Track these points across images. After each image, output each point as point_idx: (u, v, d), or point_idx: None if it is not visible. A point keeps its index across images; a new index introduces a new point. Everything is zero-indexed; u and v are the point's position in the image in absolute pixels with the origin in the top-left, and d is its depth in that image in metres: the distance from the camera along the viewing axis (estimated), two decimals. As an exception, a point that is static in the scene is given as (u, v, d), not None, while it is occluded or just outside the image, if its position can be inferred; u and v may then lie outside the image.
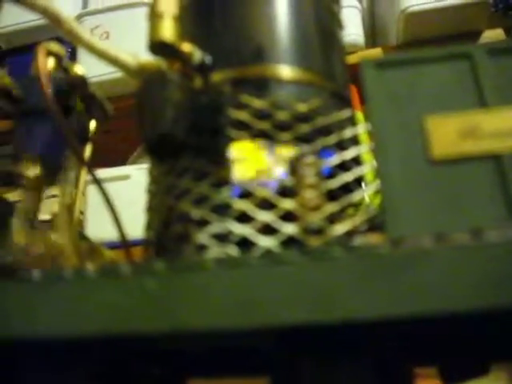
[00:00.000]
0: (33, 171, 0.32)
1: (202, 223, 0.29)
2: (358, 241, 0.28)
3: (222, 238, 0.28)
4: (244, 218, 0.28)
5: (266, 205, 0.28)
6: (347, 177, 0.30)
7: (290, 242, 0.27)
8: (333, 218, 0.27)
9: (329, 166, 0.30)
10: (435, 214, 0.24)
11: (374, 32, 1.05)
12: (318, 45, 0.35)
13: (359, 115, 0.43)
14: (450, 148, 0.25)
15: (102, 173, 0.48)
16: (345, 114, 0.32)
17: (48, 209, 0.36)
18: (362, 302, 0.22)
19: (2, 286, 0.25)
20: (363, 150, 0.32)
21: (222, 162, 0.29)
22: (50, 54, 0.33)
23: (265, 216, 0.28)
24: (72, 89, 0.34)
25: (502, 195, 0.24)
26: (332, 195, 0.29)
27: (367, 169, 0.31)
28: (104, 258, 0.36)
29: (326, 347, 0.25)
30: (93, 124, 0.38)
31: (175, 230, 0.30)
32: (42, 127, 0.33)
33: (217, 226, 0.28)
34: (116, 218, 0.35)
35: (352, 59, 0.74)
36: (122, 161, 0.95)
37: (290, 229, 0.27)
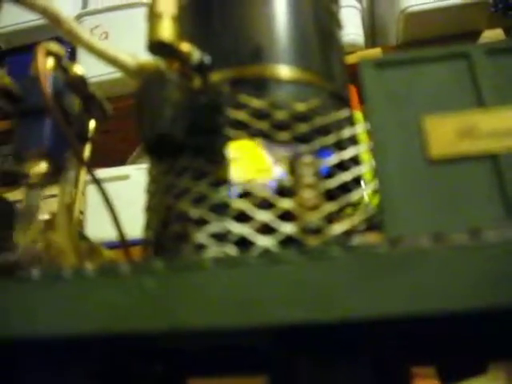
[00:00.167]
0: (38, 168, 0.32)
1: (201, 223, 0.29)
2: (357, 240, 0.28)
3: (221, 237, 0.28)
4: (242, 217, 0.28)
5: (265, 204, 0.28)
6: (346, 176, 0.30)
7: (288, 241, 0.27)
8: (331, 218, 0.27)
9: (327, 165, 0.30)
10: (433, 213, 0.24)
11: (373, 32, 1.05)
12: (317, 45, 0.35)
13: (358, 115, 0.43)
14: (448, 148, 0.25)
15: (102, 173, 0.49)
16: (343, 113, 0.32)
17: (47, 208, 0.36)
18: (359, 301, 0.22)
19: (2, 286, 0.25)
20: (362, 149, 0.32)
21: (220, 161, 0.29)
22: (49, 53, 0.33)
23: (263, 215, 0.28)
24: (71, 89, 0.34)
25: (499, 195, 0.24)
26: (330, 195, 0.29)
27: (366, 168, 0.31)
28: (103, 257, 0.36)
29: (324, 346, 0.25)
30: (92, 124, 0.38)
31: (174, 229, 0.30)
32: (45, 126, 0.33)
33: (215, 226, 0.28)
34: (115, 218, 0.35)
35: (351, 59, 0.74)
36: (121, 161, 0.95)
37: (288, 228, 0.27)
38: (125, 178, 0.87)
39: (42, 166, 0.32)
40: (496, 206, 0.24)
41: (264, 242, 0.27)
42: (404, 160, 0.25)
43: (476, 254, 0.22)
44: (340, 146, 0.31)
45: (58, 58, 0.34)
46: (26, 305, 0.24)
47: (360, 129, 0.33)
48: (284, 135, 0.30)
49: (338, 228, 0.27)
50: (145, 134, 0.28)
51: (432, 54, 0.27)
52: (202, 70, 0.30)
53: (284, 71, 0.32)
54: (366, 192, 0.31)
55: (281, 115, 0.30)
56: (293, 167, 0.28)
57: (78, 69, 0.35)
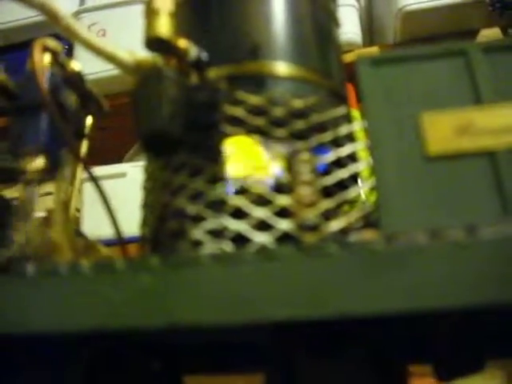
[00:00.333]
0: (35, 165, 0.32)
1: (198, 219, 0.29)
2: (353, 237, 0.28)
3: (217, 233, 0.28)
4: (239, 214, 0.28)
5: (262, 201, 0.28)
6: (343, 173, 0.30)
7: (285, 238, 0.27)
8: (328, 215, 0.27)
9: (324, 162, 0.30)
10: (430, 210, 0.24)
11: (371, 30, 1.05)
12: (315, 42, 0.35)
13: (356, 113, 0.43)
14: (445, 145, 0.25)
15: (98, 170, 0.48)
16: (341, 111, 0.32)
17: (44, 206, 0.36)
18: (356, 297, 0.22)
19: (-3, 282, 0.25)
20: (359, 146, 0.32)
21: (217, 158, 0.29)
22: (46, 49, 0.33)
23: (260, 212, 0.28)
24: (68, 85, 0.34)
25: (496, 192, 0.24)
26: (327, 192, 0.29)
27: (363, 166, 0.31)
28: (100, 254, 0.36)
29: (321, 343, 0.25)
30: (89, 121, 0.37)
31: (170, 226, 0.30)
32: (41, 122, 0.32)
33: (212, 222, 0.28)
34: (112, 216, 0.35)
35: (349, 57, 0.74)
36: (118, 158, 0.95)
37: (284, 225, 0.27)
38: (121, 175, 0.87)
39: (39, 163, 0.32)
40: (493, 203, 0.24)
41: (260, 238, 0.27)
42: (401, 157, 0.25)
43: (473, 251, 0.22)
44: (337, 143, 0.31)
45: (54, 54, 0.34)
46: (22, 301, 0.24)
47: (357, 126, 0.33)
48: (281, 132, 0.30)
49: (334, 225, 0.27)
50: (142, 131, 0.28)
51: (429, 51, 0.27)
52: (199, 66, 0.30)
53: (281, 68, 0.32)
54: (363, 189, 0.31)
55: (278, 112, 0.30)
56: (290, 164, 0.28)
57: (75, 65, 0.35)
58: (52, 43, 0.34)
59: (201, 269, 0.23)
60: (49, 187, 0.35)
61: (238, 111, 0.30)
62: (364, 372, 0.25)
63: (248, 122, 0.30)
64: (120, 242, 0.35)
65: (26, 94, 0.33)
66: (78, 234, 0.38)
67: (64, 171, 0.35)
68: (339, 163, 0.30)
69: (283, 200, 0.28)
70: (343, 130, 0.31)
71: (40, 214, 0.34)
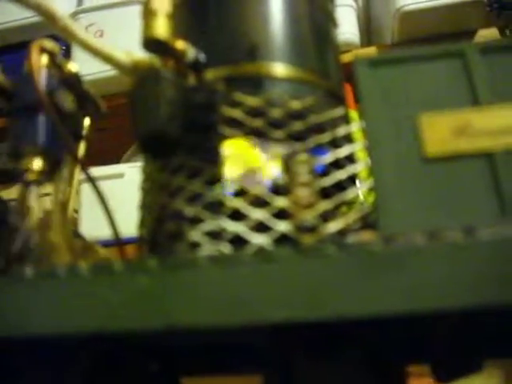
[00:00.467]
0: (35, 165, 0.32)
1: (195, 221, 0.29)
2: (351, 238, 0.28)
3: (215, 235, 0.28)
4: (237, 215, 0.28)
5: (260, 202, 0.28)
6: (340, 175, 0.30)
7: (283, 239, 0.27)
8: (326, 216, 0.27)
9: (322, 163, 0.30)
10: (428, 211, 0.24)
11: (369, 31, 1.05)
12: (313, 43, 0.35)
13: (354, 114, 0.43)
14: (442, 146, 0.25)
15: (96, 171, 0.48)
16: (339, 111, 0.32)
17: (42, 207, 0.36)
18: (354, 299, 0.22)
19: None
20: (357, 147, 0.32)
21: (215, 159, 0.29)
22: (43, 50, 0.33)
23: (258, 214, 0.28)
24: (66, 86, 0.34)
25: (494, 193, 0.24)
26: (325, 193, 0.29)
27: (361, 167, 0.31)
28: (98, 255, 0.36)
29: (318, 344, 0.25)
30: (86, 122, 0.37)
31: (168, 227, 0.30)
32: (40, 123, 0.32)
33: (210, 224, 0.28)
34: (110, 217, 0.35)
35: (347, 58, 0.74)
36: (115, 159, 0.95)
37: (283, 226, 0.27)
38: (119, 176, 0.87)
39: (37, 164, 0.32)
40: (491, 204, 0.24)
41: (259, 240, 0.27)
42: (399, 158, 0.25)
43: (471, 252, 0.22)
44: (335, 144, 0.31)
45: (52, 55, 0.34)
46: (20, 303, 0.24)
47: (355, 127, 0.33)
48: (279, 133, 0.30)
49: (332, 226, 0.27)
50: (139, 132, 0.28)
51: (427, 52, 0.27)
52: (196, 67, 0.30)
53: (279, 69, 0.32)
54: (361, 190, 0.31)
55: (276, 113, 0.30)
56: (288, 165, 0.28)
57: (73, 66, 0.35)
58: (49, 44, 0.34)
59: (199, 270, 0.23)
60: (47, 188, 0.35)
61: (236, 112, 0.30)
62: (362, 373, 0.25)
63: (246, 124, 0.30)
64: (118, 243, 0.35)
65: (24, 95, 0.33)
66: (76, 235, 0.38)
67: (62, 172, 0.35)
68: (337, 164, 0.30)
69: (281, 201, 0.28)
70: (341, 130, 0.31)
71: (38, 215, 0.34)
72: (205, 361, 0.32)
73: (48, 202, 0.34)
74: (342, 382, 0.26)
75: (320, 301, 0.22)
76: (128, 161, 0.95)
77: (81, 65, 0.37)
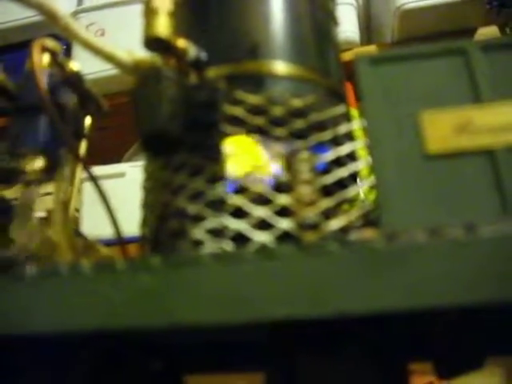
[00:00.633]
0: (34, 165, 0.32)
1: (198, 219, 0.29)
2: (353, 236, 0.28)
3: (218, 233, 0.28)
4: (239, 213, 0.28)
5: (262, 200, 0.28)
6: (342, 172, 0.30)
7: (285, 237, 0.27)
8: (328, 214, 0.27)
9: (324, 161, 0.30)
10: (430, 208, 0.24)
11: (369, 29, 1.05)
12: (313, 41, 0.35)
13: (354, 112, 0.43)
14: (444, 143, 0.25)
15: (97, 170, 0.48)
16: (340, 109, 0.32)
17: (43, 206, 0.36)
18: (356, 296, 0.22)
19: (-2, 283, 0.25)
20: (358, 145, 0.32)
21: (217, 157, 0.29)
22: (45, 49, 0.33)
23: (260, 211, 0.28)
24: (67, 85, 0.34)
25: (495, 190, 0.24)
26: (327, 191, 0.29)
27: (362, 164, 0.31)
28: (100, 254, 0.36)
29: (321, 342, 0.25)
30: (88, 121, 0.37)
31: (171, 225, 0.30)
32: (40, 123, 0.32)
33: (212, 222, 0.28)
34: (112, 215, 0.35)
35: (347, 56, 0.74)
36: (116, 158, 0.95)
37: (285, 224, 0.27)
38: (120, 175, 0.87)
39: (38, 163, 0.32)
40: (492, 201, 0.24)
41: (261, 237, 0.27)
42: (400, 156, 0.25)
43: (472, 249, 0.22)
44: (336, 141, 0.31)
45: (53, 54, 0.34)
46: (22, 302, 0.24)
47: (356, 125, 0.33)
48: (280, 131, 0.30)
49: (334, 224, 0.27)
50: (141, 131, 0.28)
51: (428, 49, 0.27)
52: (198, 65, 0.30)
53: (280, 67, 0.32)
54: (362, 188, 0.31)
55: (277, 111, 0.30)
56: (289, 163, 0.28)
57: (74, 65, 0.35)
58: (51, 43, 0.34)
59: (201, 268, 0.23)
60: (48, 187, 0.35)
61: (238, 111, 0.30)
62: (364, 370, 0.25)
63: (247, 122, 0.30)
64: (120, 241, 0.35)
65: (25, 95, 0.33)
66: (78, 234, 0.38)
67: (64, 171, 0.35)
68: (339, 162, 0.30)
69: (283, 199, 0.28)
70: (342, 128, 0.31)
71: (40, 214, 0.34)
72: (207, 359, 0.32)
73: (50, 201, 0.34)
74: (345, 380, 0.26)
75: (322, 298, 0.22)
76: (129, 160, 0.95)
77: (81, 63, 0.37)
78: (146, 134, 0.28)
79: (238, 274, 0.23)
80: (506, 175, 0.24)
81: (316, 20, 0.36)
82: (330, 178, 0.29)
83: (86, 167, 0.35)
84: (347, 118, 0.33)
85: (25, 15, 1.02)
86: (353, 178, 0.31)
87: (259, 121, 0.30)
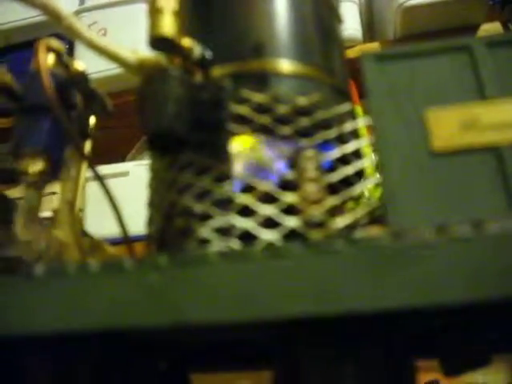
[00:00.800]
0: (36, 167, 0.32)
1: (205, 217, 0.29)
2: (360, 233, 0.28)
3: (225, 231, 0.28)
4: (246, 211, 0.28)
5: (268, 198, 0.28)
6: (348, 170, 0.30)
7: (291, 235, 0.27)
8: (334, 212, 0.27)
9: (329, 159, 0.30)
10: (436, 206, 0.24)
11: (371, 26, 1.05)
12: (318, 39, 0.35)
13: (358, 109, 0.43)
14: (450, 140, 0.25)
15: (101, 169, 0.48)
16: (345, 107, 0.32)
17: (49, 206, 0.36)
18: (364, 294, 0.22)
19: (5, 282, 0.25)
20: (363, 143, 0.32)
21: (223, 156, 0.29)
22: (50, 49, 0.33)
23: (267, 210, 0.28)
24: (72, 85, 0.34)
25: (502, 187, 0.24)
26: (333, 189, 0.29)
27: (367, 162, 0.31)
28: (106, 253, 0.36)
29: (329, 340, 0.25)
30: (93, 120, 0.38)
31: (177, 224, 0.30)
32: (43, 123, 0.32)
33: (219, 220, 0.28)
34: (118, 214, 0.35)
35: (350, 53, 0.74)
36: (120, 157, 0.95)
37: (291, 222, 0.27)
38: (124, 174, 0.87)
39: (41, 164, 0.32)
40: (499, 198, 0.24)
41: (268, 235, 0.27)
42: (406, 153, 0.25)
43: (479, 246, 0.22)
44: (342, 139, 0.31)
45: (58, 54, 0.34)
46: (30, 301, 0.24)
47: (361, 123, 0.33)
48: (286, 129, 0.30)
49: (341, 221, 0.27)
50: (147, 129, 0.28)
51: (433, 47, 0.27)
52: (203, 64, 0.30)
53: (285, 66, 0.32)
54: (368, 185, 0.31)
55: (283, 109, 0.30)
56: (295, 161, 0.28)
57: (79, 65, 0.35)
58: (55, 43, 0.34)
59: (208, 267, 0.23)
60: (54, 187, 0.35)
61: (243, 109, 0.30)
62: (372, 369, 0.25)
63: (253, 120, 0.30)
64: (126, 240, 0.36)
65: (30, 95, 0.33)
66: (84, 233, 0.38)
67: (69, 171, 0.35)
68: (344, 160, 0.30)
69: (289, 197, 0.28)
70: (348, 126, 0.31)
71: (46, 214, 0.34)
72: (214, 357, 0.32)
73: (55, 201, 0.34)
74: (352, 378, 0.26)
75: (329, 296, 0.22)
76: (133, 159, 0.95)
77: (85, 63, 0.37)
78: (151, 133, 0.28)
79: (245, 273, 0.23)
80: (512, 172, 0.24)
81: (320, 18, 0.36)
82: (335, 176, 0.29)
83: (92, 166, 0.36)
84: (352, 115, 0.33)
85: (28, 15, 1.02)
86: (358, 175, 0.31)
87: (265, 119, 0.30)
